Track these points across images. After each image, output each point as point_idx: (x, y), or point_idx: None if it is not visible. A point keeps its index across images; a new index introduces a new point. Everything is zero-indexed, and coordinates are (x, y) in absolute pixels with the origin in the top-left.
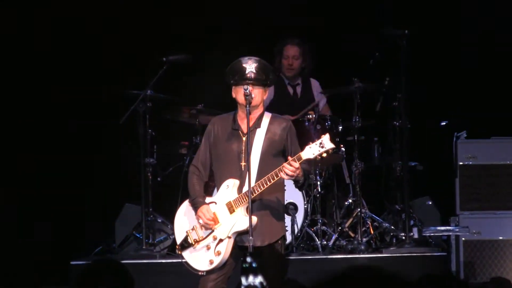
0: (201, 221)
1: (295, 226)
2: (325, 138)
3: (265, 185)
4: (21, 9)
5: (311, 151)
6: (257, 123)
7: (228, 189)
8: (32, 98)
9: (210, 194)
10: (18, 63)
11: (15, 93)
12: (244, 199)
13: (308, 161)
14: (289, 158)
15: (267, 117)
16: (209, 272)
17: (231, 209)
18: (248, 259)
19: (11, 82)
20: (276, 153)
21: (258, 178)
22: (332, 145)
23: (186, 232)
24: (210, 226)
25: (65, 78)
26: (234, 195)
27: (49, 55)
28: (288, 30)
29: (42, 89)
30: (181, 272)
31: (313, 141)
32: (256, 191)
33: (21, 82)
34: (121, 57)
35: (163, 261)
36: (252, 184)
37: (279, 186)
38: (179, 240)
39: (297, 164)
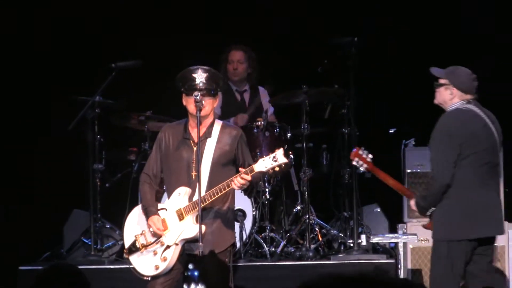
0: (151, 229)
1: (244, 232)
2: (279, 153)
3: (215, 194)
4: None
5: (264, 164)
6: (208, 132)
7: (180, 196)
8: None
9: (159, 201)
10: None
11: None
12: (194, 207)
13: (261, 173)
14: (241, 169)
15: (218, 125)
16: (154, 277)
17: (180, 217)
18: (191, 267)
19: None
20: (227, 163)
21: (208, 187)
22: (285, 160)
23: (135, 236)
24: (160, 235)
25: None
26: (185, 202)
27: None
28: (239, 37)
29: None
30: (130, 278)
31: (266, 151)
32: (206, 200)
33: None
34: (69, 62)
35: (111, 267)
36: (202, 193)
37: (230, 196)
38: (127, 244)
39: (249, 177)
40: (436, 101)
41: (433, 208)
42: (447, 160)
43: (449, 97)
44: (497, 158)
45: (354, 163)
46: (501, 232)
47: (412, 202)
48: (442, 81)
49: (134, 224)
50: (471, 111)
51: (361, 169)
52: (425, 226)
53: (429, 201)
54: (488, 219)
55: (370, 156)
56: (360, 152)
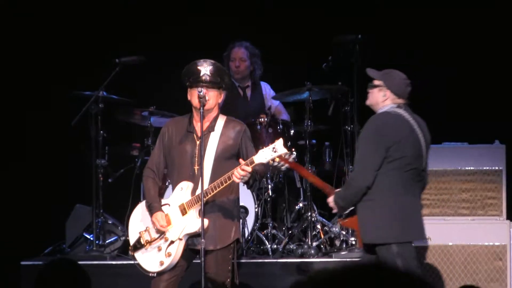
0: (155, 226)
1: (246, 229)
2: (278, 143)
3: (217, 188)
4: None
5: (263, 155)
6: (212, 126)
7: (182, 191)
8: None
9: (162, 196)
10: None
11: None
12: (197, 202)
13: (262, 164)
14: (241, 161)
15: (221, 120)
16: (159, 273)
17: (183, 211)
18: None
19: None
20: (230, 157)
21: (211, 181)
22: (284, 150)
23: (139, 233)
24: (164, 232)
25: (14, 78)
26: (187, 197)
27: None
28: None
29: None
30: (132, 274)
31: (266, 145)
32: (208, 194)
33: None
34: (72, 57)
35: (114, 262)
36: (205, 187)
37: (234, 189)
38: (132, 241)
39: (249, 169)
40: (368, 102)
41: (351, 208)
42: (373, 163)
43: (382, 99)
44: (423, 164)
45: (274, 163)
46: (425, 237)
47: (330, 199)
48: (376, 82)
49: (138, 221)
50: (401, 116)
51: (282, 168)
52: (343, 223)
53: (347, 201)
54: (416, 224)
55: (293, 155)
56: None
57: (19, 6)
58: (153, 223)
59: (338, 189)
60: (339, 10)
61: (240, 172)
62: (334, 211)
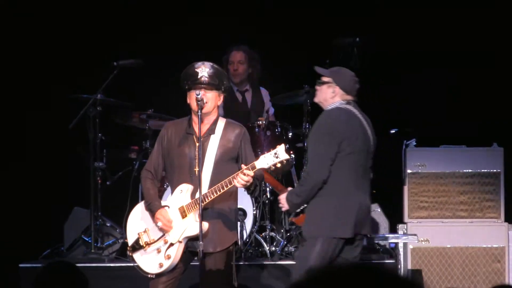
0: (159, 223)
1: (244, 231)
2: (280, 149)
3: (218, 192)
4: None
5: (265, 160)
6: (212, 129)
7: (182, 193)
8: None
9: (160, 198)
10: None
11: None
12: (197, 205)
13: (262, 170)
14: (243, 166)
15: (222, 123)
16: (158, 275)
17: (183, 214)
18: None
19: None
20: (230, 160)
21: (211, 184)
22: (286, 156)
23: (138, 234)
24: (168, 229)
25: (14, 78)
26: (187, 200)
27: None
28: (239, 38)
29: None
30: (130, 276)
31: (267, 150)
32: (208, 198)
33: None
34: (72, 57)
35: (112, 265)
36: (205, 189)
37: (232, 193)
38: (130, 241)
39: (251, 173)
40: (316, 99)
41: (305, 205)
42: (326, 157)
43: (331, 95)
44: (370, 161)
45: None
46: (371, 232)
47: (282, 197)
48: (325, 79)
49: (137, 222)
50: (351, 112)
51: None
52: (295, 221)
53: (302, 197)
54: (364, 219)
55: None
56: None
57: (19, 6)
58: (157, 220)
59: (290, 188)
60: (339, 10)
61: (243, 177)
62: (284, 209)
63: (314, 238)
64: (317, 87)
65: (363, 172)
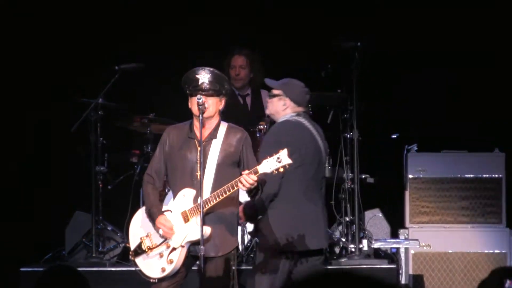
0: (161, 231)
1: (245, 236)
2: (283, 153)
3: (220, 196)
4: None
5: (268, 165)
6: (213, 134)
7: (184, 198)
8: None
9: (162, 202)
10: None
11: None
12: (199, 209)
13: (264, 174)
14: (245, 171)
15: (223, 127)
16: (160, 279)
17: (185, 219)
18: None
19: None
20: (232, 164)
21: (213, 188)
22: (289, 161)
23: (140, 238)
24: (170, 236)
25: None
26: (190, 204)
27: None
28: (239, 38)
29: None
30: (131, 280)
31: (270, 155)
32: (211, 202)
33: None
34: (71, 64)
35: (113, 269)
36: (207, 193)
37: (234, 198)
38: (133, 246)
39: (255, 177)
40: (267, 111)
41: (260, 216)
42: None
43: (282, 107)
44: (322, 172)
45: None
46: (326, 245)
47: (240, 208)
48: (276, 91)
49: (139, 226)
50: (302, 124)
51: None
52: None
53: (255, 209)
54: (316, 232)
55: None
56: None
57: (19, 6)
58: (159, 227)
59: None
60: (339, 10)
61: (248, 180)
62: (241, 221)
63: (267, 250)
64: (268, 100)
65: (315, 184)
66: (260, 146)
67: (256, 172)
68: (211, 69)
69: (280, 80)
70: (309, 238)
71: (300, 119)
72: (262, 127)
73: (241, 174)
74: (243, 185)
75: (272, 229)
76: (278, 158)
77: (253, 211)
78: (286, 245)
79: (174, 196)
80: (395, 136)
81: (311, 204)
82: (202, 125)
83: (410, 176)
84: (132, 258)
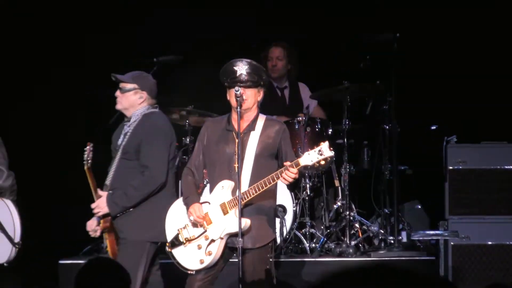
0: (192, 218)
1: (284, 228)
2: (324, 146)
3: (260, 188)
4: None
5: (309, 158)
6: (252, 126)
7: (223, 190)
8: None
9: (200, 195)
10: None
11: None
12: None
13: (305, 167)
14: (287, 163)
15: (261, 120)
16: (198, 271)
17: (224, 210)
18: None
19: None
20: (269, 156)
21: (251, 180)
22: (331, 153)
23: (178, 230)
24: (200, 224)
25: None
26: (228, 196)
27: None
28: (277, 35)
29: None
30: (168, 271)
31: (308, 145)
32: (250, 195)
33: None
34: (111, 56)
35: None
36: (245, 185)
37: (272, 190)
38: (169, 237)
39: (295, 171)
40: (120, 106)
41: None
42: (165, 159)
43: (139, 101)
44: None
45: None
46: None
47: (101, 201)
48: (130, 85)
49: (176, 217)
50: (165, 115)
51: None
52: (105, 227)
53: (136, 201)
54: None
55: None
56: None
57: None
58: (190, 214)
59: (110, 191)
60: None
61: (289, 174)
62: (101, 213)
63: (142, 242)
64: (119, 94)
65: (174, 177)
66: (144, 139)
67: (297, 165)
68: (248, 60)
69: (130, 74)
70: (163, 230)
71: (159, 111)
72: (300, 118)
73: (279, 166)
74: (284, 179)
75: (147, 219)
76: (319, 150)
77: (131, 203)
78: (159, 235)
79: (212, 188)
80: (434, 128)
81: (174, 196)
82: (240, 117)
83: (450, 167)
84: (169, 250)
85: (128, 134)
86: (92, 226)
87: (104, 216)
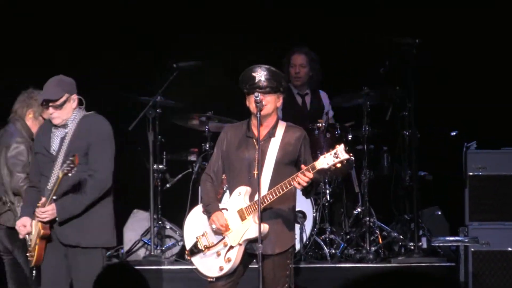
0: (214, 226)
1: (304, 234)
2: (340, 148)
3: (277, 193)
4: None
5: (325, 161)
6: (272, 132)
7: (240, 196)
8: None
9: (220, 202)
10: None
11: None
12: (256, 207)
13: (321, 171)
14: (303, 166)
15: (282, 126)
16: (218, 278)
17: (242, 216)
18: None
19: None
20: (289, 163)
21: (270, 186)
22: (347, 156)
23: (196, 237)
24: (222, 232)
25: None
26: (246, 202)
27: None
28: (296, 39)
29: None
30: (189, 279)
31: (327, 151)
32: (268, 200)
33: None
34: (130, 62)
35: (171, 267)
36: (264, 192)
37: (291, 195)
38: (188, 245)
39: (311, 175)
40: (59, 121)
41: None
42: (112, 163)
43: (74, 105)
44: None
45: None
46: None
47: (50, 207)
48: (63, 98)
49: (195, 225)
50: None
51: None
52: (45, 234)
53: (86, 206)
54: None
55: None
56: None
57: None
58: (212, 222)
59: (54, 197)
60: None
61: (303, 178)
62: (47, 219)
63: (97, 248)
64: (55, 111)
65: None
66: (95, 142)
67: (313, 169)
68: (267, 66)
69: (54, 84)
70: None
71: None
72: (320, 125)
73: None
74: (298, 183)
75: (104, 224)
76: (335, 153)
77: (81, 208)
78: (113, 240)
79: (230, 194)
80: (454, 134)
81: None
82: (260, 123)
83: (470, 173)
84: (188, 257)
85: (68, 138)
86: (28, 227)
87: (46, 222)
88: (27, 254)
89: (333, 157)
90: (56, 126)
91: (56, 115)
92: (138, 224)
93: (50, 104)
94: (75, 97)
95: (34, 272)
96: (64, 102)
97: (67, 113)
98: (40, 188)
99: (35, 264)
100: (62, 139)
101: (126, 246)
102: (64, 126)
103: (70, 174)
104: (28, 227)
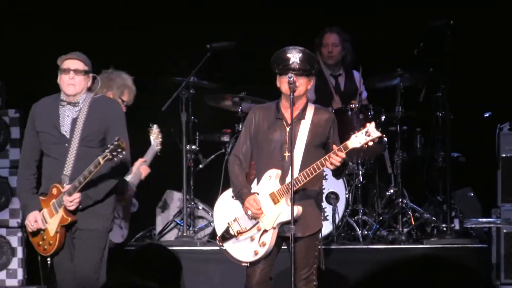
0: (249, 212)
1: (336, 215)
2: (371, 127)
3: (310, 175)
4: None
5: (357, 140)
6: (302, 114)
7: (271, 179)
8: None
9: (249, 184)
10: None
11: None
12: (288, 190)
13: (353, 150)
14: (334, 147)
15: (311, 108)
16: (253, 263)
17: (275, 200)
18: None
19: None
20: (319, 145)
21: (301, 169)
22: (378, 133)
23: (228, 223)
24: (258, 216)
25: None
26: (277, 185)
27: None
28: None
29: None
30: (222, 260)
31: (358, 130)
32: (300, 182)
33: None
34: (164, 42)
35: (204, 248)
36: (295, 174)
37: (320, 177)
38: (219, 231)
39: (343, 154)
40: (74, 91)
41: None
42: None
43: (89, 84)
44: None
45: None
46: None
47: (78, 195)
48: (88, 67)
49: (225, 210)
50: None
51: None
52: (72, 220)
53: (107, 190)
54: None
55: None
56: None
57: None
58: (247, 208)
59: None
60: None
61: (335, 158)
62: (73, 207)
63: (100, 232)
64: (77, 76)
65: None
66: (112, 125)
67: (346, 148)
68: (302, 48)
69: (83, 55)
70: None
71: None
72: (353, 106)
73: (327, 154)
74: (331, 163)
75: (108, 209)
76: (366, 132)
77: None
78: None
79: (260, 177)
80: (488, 115)
81: None
82: (293, 104)
83: (502, 155)
84: (220, 243)
85: (81, 120)
86: (39, 222)
87: (70, 211)
88: (39, 242)
89: (365, 136)
90: (63, 103)
91: (74, 82)
92: (170, 204)
93: (74, 68)
94: (91, 76)
95: (49, 260)
96: (87, 72)
97: (82, 87)
98: (35, 171)
99: (55, 251)
100: (75, 120)
101: (159, 227)
102: (74, 104)
103: (116, 159)
104: (39, 223)
